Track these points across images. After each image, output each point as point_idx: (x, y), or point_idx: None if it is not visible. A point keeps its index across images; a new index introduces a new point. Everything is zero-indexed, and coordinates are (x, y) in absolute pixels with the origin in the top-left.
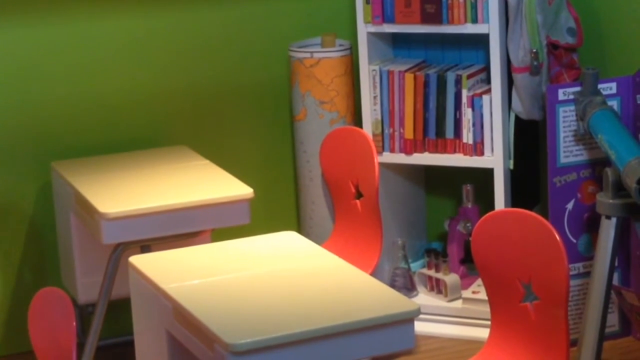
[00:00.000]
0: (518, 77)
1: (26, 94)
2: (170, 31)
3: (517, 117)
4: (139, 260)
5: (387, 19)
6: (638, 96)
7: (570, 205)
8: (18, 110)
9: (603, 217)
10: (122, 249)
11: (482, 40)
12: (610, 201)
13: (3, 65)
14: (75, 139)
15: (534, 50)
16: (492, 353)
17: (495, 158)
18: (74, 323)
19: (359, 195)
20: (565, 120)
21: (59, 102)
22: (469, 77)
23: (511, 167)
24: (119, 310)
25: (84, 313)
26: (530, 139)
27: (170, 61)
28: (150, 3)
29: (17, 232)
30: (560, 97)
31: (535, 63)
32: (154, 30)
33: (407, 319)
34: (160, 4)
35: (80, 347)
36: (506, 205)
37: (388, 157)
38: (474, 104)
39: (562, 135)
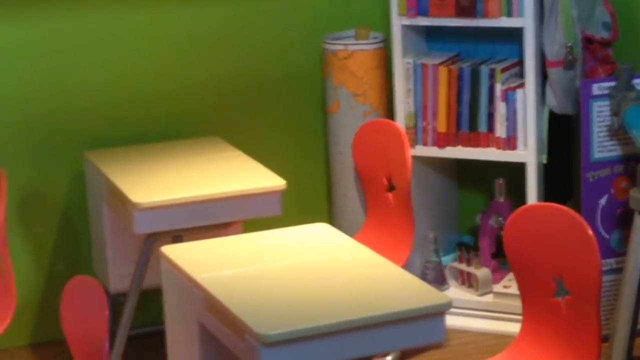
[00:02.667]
0: (552, 72)
1: (60, 84)
2: (205, 22)
3: (550, 112)
4: (170, 250)
5: (421, 11)
6: None
7: (603, 201)
8: (52, 101)
9: (636, 213)
10: (154, 239)
11: (516, 34)
12: None
13: (38, 56)
14: (108, 129)
15: (569, 45)
16: (522, 348)
17: (528, 152)
18: (107, 312)
19: (391, 188)
20: (600, 115)
21: (93, 92)
22: (502, 70)
23: (544, 161)
24: (150, 300)
25: (115, 302)
26: (563, 134)
27: (205, 52)
28: None
29: (50, 221)
30: (595, 92)
31: (569, 57)
32: (189, 22)
33: (438, 312)
34: None
35: (111, 336)
36: (538, 200)
37: (420, 150)
38: (508, 98)
39: (595, 130)
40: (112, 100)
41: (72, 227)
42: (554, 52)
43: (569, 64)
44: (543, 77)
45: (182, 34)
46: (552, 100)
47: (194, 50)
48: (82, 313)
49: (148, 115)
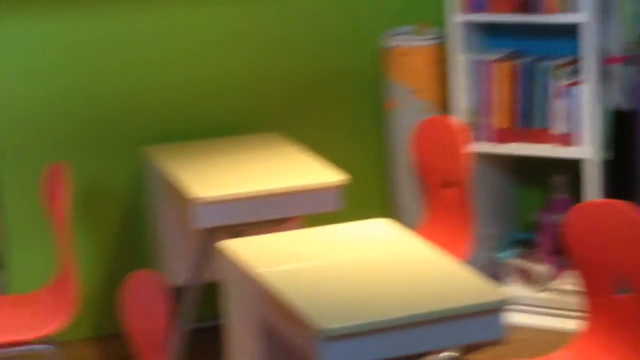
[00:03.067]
0: (612, 68)
1: (122, 81)
2: (265, 19)
3: (612, 108)
4: (230, 245)
5: (479, 7)
6: None
7: None
8: (113, 97)
9: None
10: (213, 234)
11: (575, 30)
12: None
13: (100, 54)
14: (168, 125)
15: (629, 41)
16: (583, 344)
17: (586, 149)
18: (167, 306)
19: (449, 184)
20: None
21: (151, 88)
22: (561, 67)
23: (609, 158)
24: (209, 294)
25: (174, 296)
26: (625, 130)
27: (265, 49)
28: None
29: (110, 215)
30: None
31: (630, 54)
32: (250, 19)
33: (496, 309)
34: None
35: (171, 330)
36: (597, 197)
37: (479, 147)
38: (566, 94)
39: None
40: (172, 97)
41: (133, 221)
42: (614, 48)
43: (630, 60)
44: (602, 73)
45: (243, 31)
46: (612, 96)
47: (255, 47)
48: (143, 307)
49: (207, 111)
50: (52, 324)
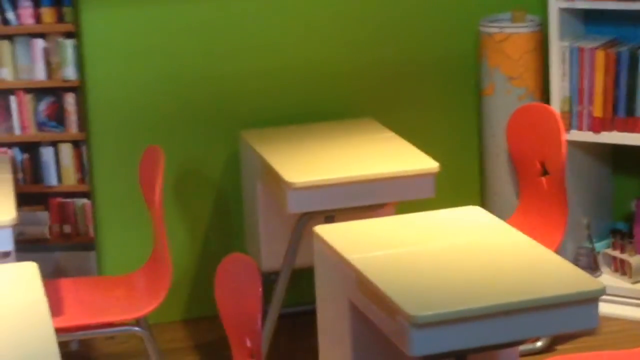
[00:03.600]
0: None
1: (218, 66)
2: (361, 7)
3: None
4: (323, 230)
5: None
6: None
7: None
8: (210, 82)
9: None
10: (307, 219)
11: None
12: None
13: (196, 39)
14: (264, 110)
15: None
16: None
17: None
18: (261, 290)
19: (545, 172)
20: None
21: (249, 74)
22: None
23: None
24: (301, 279)
25: (266, 281)
26: None
27: (361, 36)
28: None
29: (206, 199)
30: None
31: None
32: (345, 6)
33: (591, 299)
34: None
35: (263, 314)
36: None
37: (576, 135)
38: None
39: None
40: (268, 82)
41: (226, 205)
42: None
43: None
44: None
45: (338, 19)
46: None
47: (350, 33)
48: (236, 290)
49: (303, 96)
50: (145, 307)
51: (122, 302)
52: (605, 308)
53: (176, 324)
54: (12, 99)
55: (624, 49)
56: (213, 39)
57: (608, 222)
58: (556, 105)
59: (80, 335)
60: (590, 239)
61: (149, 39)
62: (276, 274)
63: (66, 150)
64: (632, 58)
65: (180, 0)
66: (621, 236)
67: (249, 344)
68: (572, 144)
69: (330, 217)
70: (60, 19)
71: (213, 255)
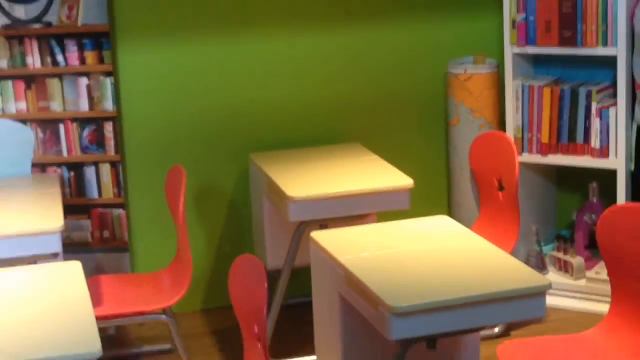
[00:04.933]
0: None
1: (231, 100)
2: (351, 54)
3: (638, 127)
4: (318, 236)
5: (529, 41)
6: None
7: None
8: (224, 113)
9: None
10: (305, 226)
11: (609, 61)
12: None
13: (212, 78)
14: (269, 136)
15: None
16: (611, 325)
17: (618, 160)
18: (266, 285)
19: (501, 188)
20: None
21: (257, 107)
22: (598, 92)
23: (632, 168)
24: (300, 276)
25: (270, 277)
26: None
27: (351, 77)
28: (333, 25)
29: (219, 210)
30: None
31: None
32: (338, 54)
33: (539, 292)
34: (341, 28)
35: (268, 305)
36: (626, 201)
37: (527, 157)
38: (602, 115)
39: None
40: (272, 113)
41: (237, 215)
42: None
43: None
44: (632, 97)
45: (333, 63)
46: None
47: (342, 75)
48: (246, 285)
49: (302, 125)
50: (170, 299)
51: (151, 295)
52: (551, 300)
53: (196, 313)
54: (61, 127)
55: (566, 87)
56: (226, 78)
57: (553, 230)
58: (510, 132)
59: (116, 322)
60: (538, 243)
61: (173, 77)
62: (279, 271)
63: (105, 169)
64: (573, 94)
65: (198, 45)
66: (564, 241)
67: (256, 329)
68: (524, 164)
69: (324, 224)
70: (101, 60)
71: (226, 256)
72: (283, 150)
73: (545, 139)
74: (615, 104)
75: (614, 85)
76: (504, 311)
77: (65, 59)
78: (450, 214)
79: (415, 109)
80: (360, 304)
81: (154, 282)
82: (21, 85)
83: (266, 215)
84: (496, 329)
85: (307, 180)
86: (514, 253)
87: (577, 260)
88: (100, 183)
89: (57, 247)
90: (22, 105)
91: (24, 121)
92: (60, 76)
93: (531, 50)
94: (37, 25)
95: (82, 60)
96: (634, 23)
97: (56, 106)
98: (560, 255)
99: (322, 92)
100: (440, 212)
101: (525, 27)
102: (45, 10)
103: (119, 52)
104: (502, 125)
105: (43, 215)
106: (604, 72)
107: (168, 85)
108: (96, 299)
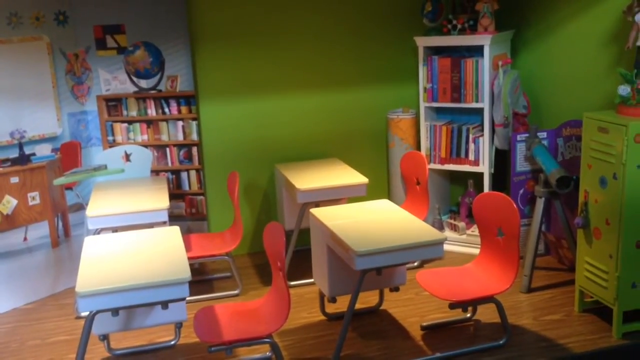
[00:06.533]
0: (498, 129)
1: (266, 133)
2: (330, 105)
3: (496, 148)
4: (315, 211)
5: (434, 99)
6: (558, 139)
7: (522, 191)
8: (261, 140)
9: (537, 197)
10: (306, 205)
11: (479, 111)
12: (542, 189)
13: (255, 119)
14: (286, 154)
15: (506, 116)
16: (480, 262)
17: (484, 167)
18: (284, 239)
19: (418, 183)
20: (520, 149)
21: (279, 137)
22: (473, 128)
23: (492, 171)
24: (304, 234)
25: (287, 235)
26: (502, 159)
27: (330, 119)
28: (323, 92)
29: (257, 196)
30: (518, 139)
31: (506, 122)
32: (324, 105)
33: (440, 242)
34: (329, 93)
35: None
36: (489, 190)
37: (433, 166)
38: (476, 141)
39: (518, 157)
40: (288, 141)
41: (268, 200)
42: (498, 119)
43: (506, 125)
44: (492, 131)
45: (321, 110)
46: (497, 143)
47: (325, 118)
48: (273, 239)
49: (304, 147)
50: (230, 246)
51: (219, 244)
52: (446, 247)
53: (245, 255)
54: (167, 150)
55: (455, 126)
56: (262, 122)
57: (448, 206)
58: (424, 151)
59: (199, 260)
60: (439, 214)
61: (232, 121)
62: (292, 231)
63: (193, 174)
64: (459, 130)
65: (245, 103)
66: (454, 213)
67: (279, 264)
68: (431, 170)
69: (318, 204)
70: (190, 110)
71: (262, 222)
72: (293, 162)
73: (443, 154)
74: (482, 135)
75: (482, 124)
76: (420, 253)
77: (169, 110)
78: (390, 198)
79: (369, 138)
80: (338, 249)
81: (221, 237)
82: (144, 126)
83: (285, 199)
84: (415, 263)
85: (307, 178)
86: (425, 220)
87: (461, 224)
88: (190, 181)
89: (165, 217)
90: (145, 137)
91: (146, 146)
92: (167, 121)
93: (435, 104)
94: (153, 91)
95: (179, 111)
96: (493, 89)
97: (164, 137)
98: (452, 221)
99: (316, 129)
100: (383, 197)
101: (432, 91)
102: (158, 82)
103: (201, 107)
104: (418, 147)
105: (157, 199)
106: (476, 117)
107: (229, 125)
108: (187, 247)
